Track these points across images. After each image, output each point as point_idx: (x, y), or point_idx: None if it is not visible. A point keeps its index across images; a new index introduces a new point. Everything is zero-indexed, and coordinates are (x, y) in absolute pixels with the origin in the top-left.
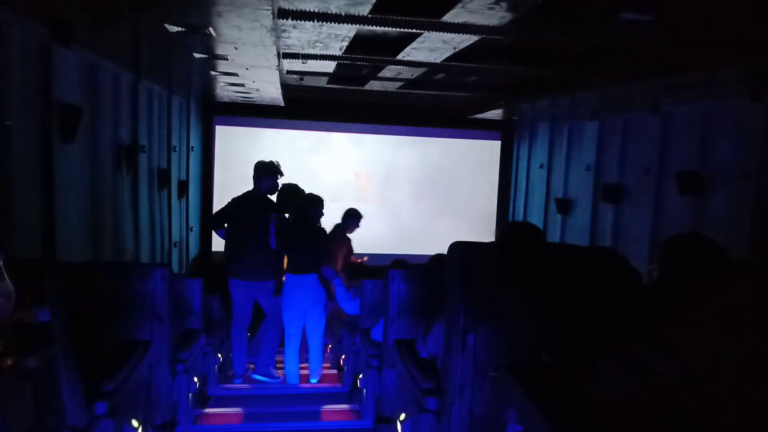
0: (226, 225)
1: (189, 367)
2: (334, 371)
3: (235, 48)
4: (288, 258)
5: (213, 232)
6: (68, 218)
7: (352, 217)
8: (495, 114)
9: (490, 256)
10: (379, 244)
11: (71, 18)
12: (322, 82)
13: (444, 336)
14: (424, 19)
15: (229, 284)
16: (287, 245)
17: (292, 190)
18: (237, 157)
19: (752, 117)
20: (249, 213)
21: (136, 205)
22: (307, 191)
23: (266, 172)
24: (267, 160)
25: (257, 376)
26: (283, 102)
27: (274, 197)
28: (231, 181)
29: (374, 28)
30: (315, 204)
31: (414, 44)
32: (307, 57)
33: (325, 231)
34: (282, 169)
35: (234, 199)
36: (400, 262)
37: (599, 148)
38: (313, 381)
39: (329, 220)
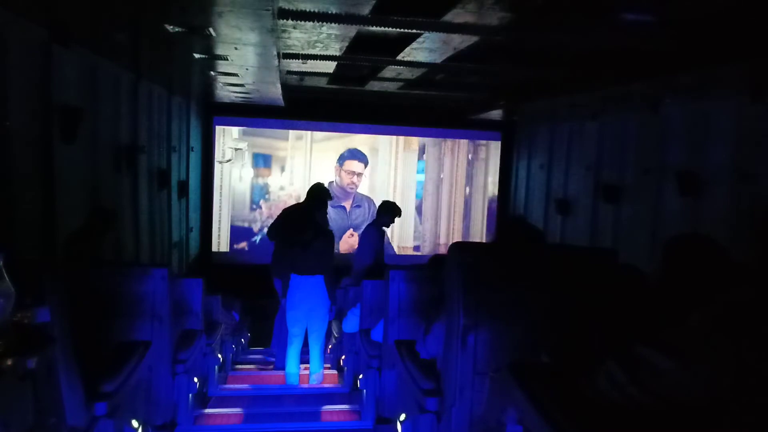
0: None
1: (189, 368)
2: (335, 371)
3: (235, 48)
4: (294, 259)
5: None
6: (68, 218)
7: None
8: (495, 114)
9: (490, 256)
10: None
11: (71, 18)
12: (322, 82)
13: (444, 336)
14: (424, 20)
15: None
16: (292, 246)
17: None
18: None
19: (752, 117)
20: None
21: (136, 206)
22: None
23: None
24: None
25: None
26: (283, 102)
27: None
28: (231, 181)
29: (374, 28)
30: (323, 204)
31: (414, 44)
32: (307, 57)
33: (332, 232)
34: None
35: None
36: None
37: (599, 148)
38: (313, 382)
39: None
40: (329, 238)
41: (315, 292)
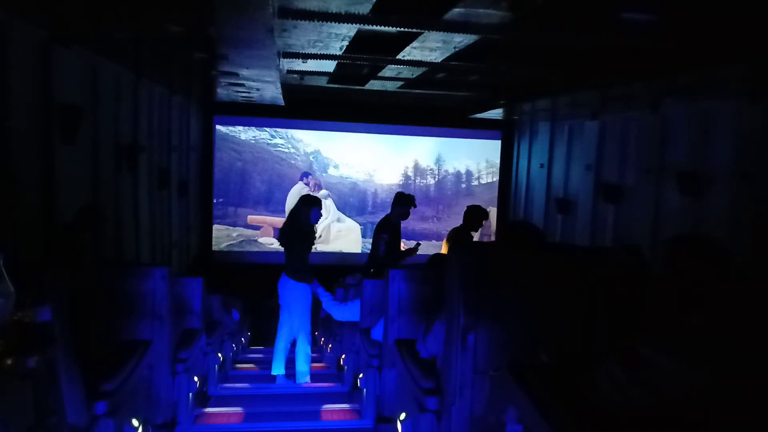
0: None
1: (189, 367)
2: (334, 371)
3: (235, 48)
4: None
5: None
6: (68, 218)
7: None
8: (495, 114)
9: (490, 256)
10: None
11: (71, 18)
12: (323, 81)
13: (444, 336)
14: (424, 19)
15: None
16: (285, 246)
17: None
18: (236, 156)
19: (752, 117)
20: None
21: (136, 205)
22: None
23: (403, 201)
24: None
25: None
26: (283, 102)
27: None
28: (230, 181)
29: (374, 27)
30: (308, 205)
31: (414, 43)
32: (307, 56)
33: (314, 232)
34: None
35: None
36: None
37: (599, 148)
38: (300, 381)
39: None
40: (307, 237)
41: (293, 292)
